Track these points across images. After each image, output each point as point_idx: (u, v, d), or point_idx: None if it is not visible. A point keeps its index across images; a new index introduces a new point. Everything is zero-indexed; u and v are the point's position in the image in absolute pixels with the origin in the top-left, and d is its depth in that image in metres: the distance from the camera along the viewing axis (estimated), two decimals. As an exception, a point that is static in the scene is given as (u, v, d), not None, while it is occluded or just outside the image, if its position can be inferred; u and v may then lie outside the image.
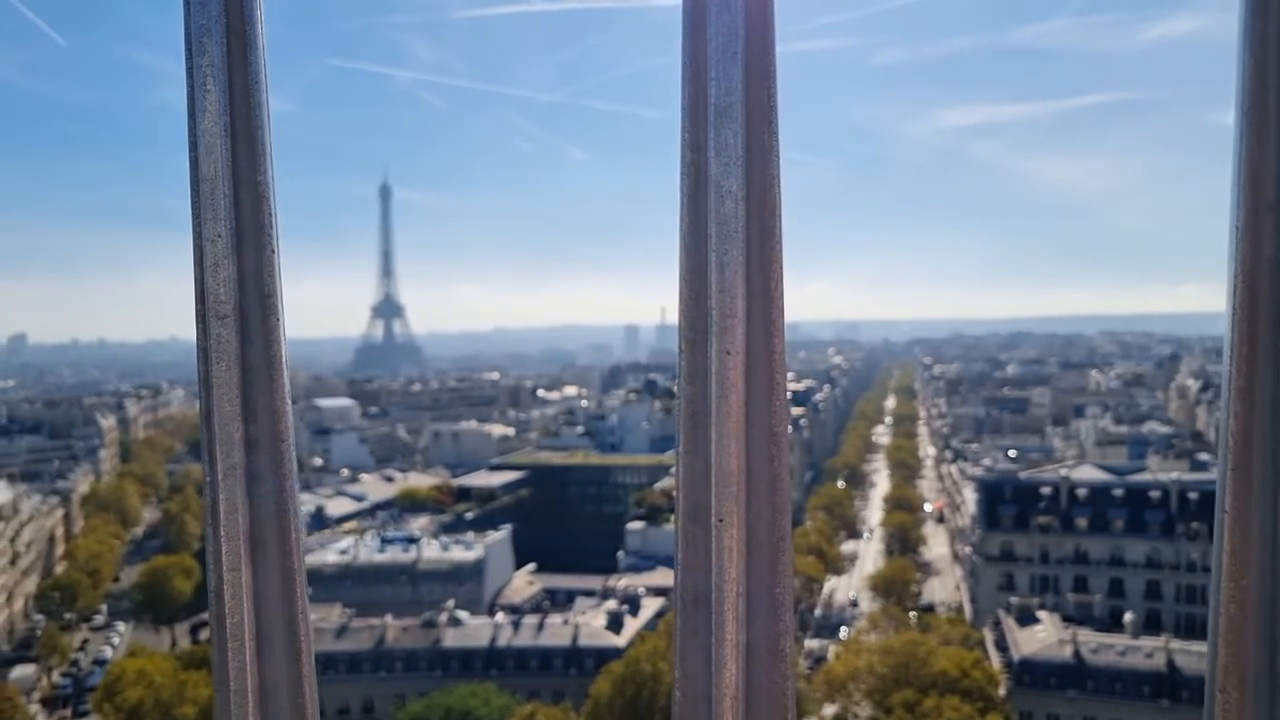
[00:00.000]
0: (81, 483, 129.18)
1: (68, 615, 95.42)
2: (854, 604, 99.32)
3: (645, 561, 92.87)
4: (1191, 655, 65.10)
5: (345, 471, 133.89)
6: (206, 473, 1.79)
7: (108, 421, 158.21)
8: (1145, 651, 66.17)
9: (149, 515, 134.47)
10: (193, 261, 1.77)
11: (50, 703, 79.36)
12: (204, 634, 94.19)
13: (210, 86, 1.75)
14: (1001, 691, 64.03)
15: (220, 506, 1.78)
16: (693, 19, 1.66)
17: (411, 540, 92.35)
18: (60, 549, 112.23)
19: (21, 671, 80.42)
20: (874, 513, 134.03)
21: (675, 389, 1.72)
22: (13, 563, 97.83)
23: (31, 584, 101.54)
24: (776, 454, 1.66)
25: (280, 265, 1.81)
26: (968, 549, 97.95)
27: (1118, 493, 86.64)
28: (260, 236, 1.77)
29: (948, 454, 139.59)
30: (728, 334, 1.62)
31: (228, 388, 1.75)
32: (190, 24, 1.76)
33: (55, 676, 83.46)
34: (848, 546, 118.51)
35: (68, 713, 78.06)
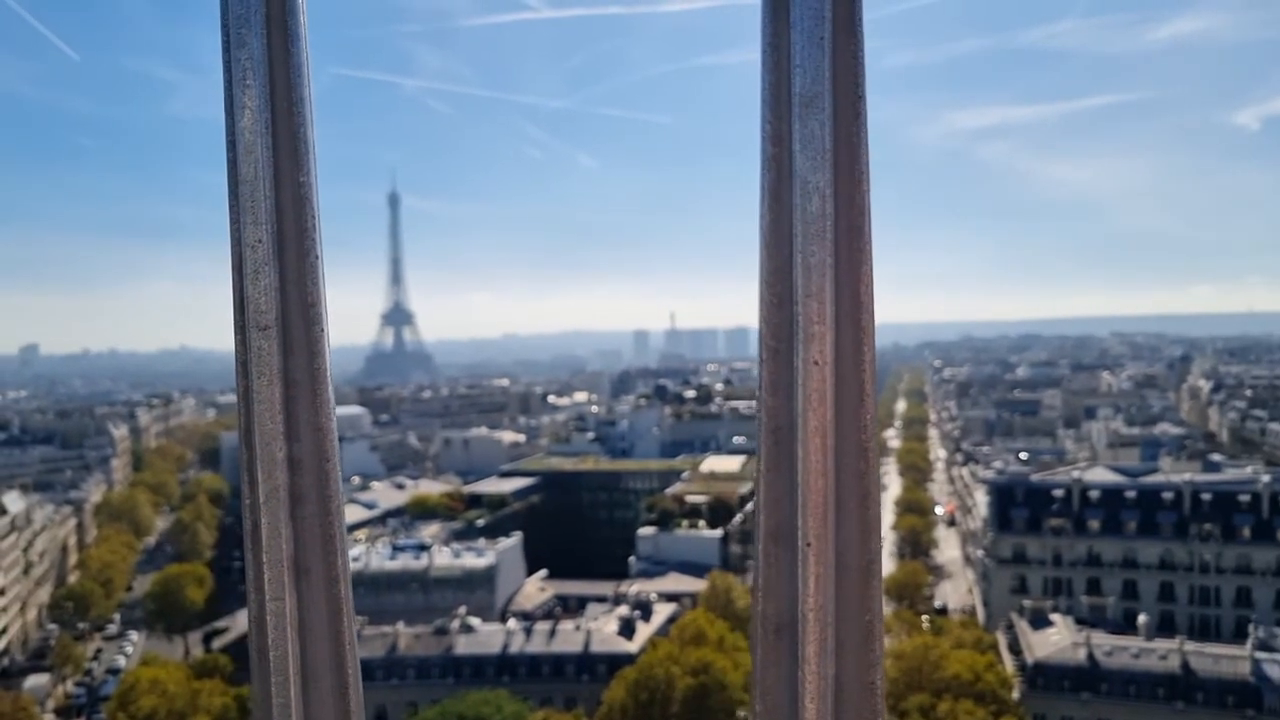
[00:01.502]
0: (94, 492, 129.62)
1: (81, 625, 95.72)
2: None
3: (657, 567, 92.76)
4: (1206, 657, 64.79)
5: (356, 479, 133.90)
6: (246, 495, 1.70)
7: (120, 431, 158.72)
8: (1159, 654, 65.87)
9: (161, 524, 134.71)
10: (231, 268, 1.68)
11: (64, 712, 79.57)
12: (217, 642, 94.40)
13: (250, 81, 1.65)
14: (1015, 695, 63.83)
15: (262, 531, 1.69)
16: (774, 2, 1.57)
17: (423, 547, 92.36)
18: (73, 558, 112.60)
19: (35, 681, 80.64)
20: (885, 516, 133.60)
21: (755, 401, 1.63)
22: (26, 572, 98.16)
23: (45, 594, 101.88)
24: (866, 471, 1.56)
25: (324, 272, 1.73)
26: (979, 552, 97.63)
27: (1130, 494, 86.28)
28: (303, 241, 1.68)
29: (958, 457, 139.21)
30: (815, 343, 1.52)
31: (269, 404, 1.66)
32: (228, 14, 1.66)
33: (69, 686, 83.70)
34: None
35: (82, 722, 78.25)
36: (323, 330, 1.71)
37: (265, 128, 1.64)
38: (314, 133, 1.71)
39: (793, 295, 1.54)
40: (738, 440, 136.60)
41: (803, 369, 1.52)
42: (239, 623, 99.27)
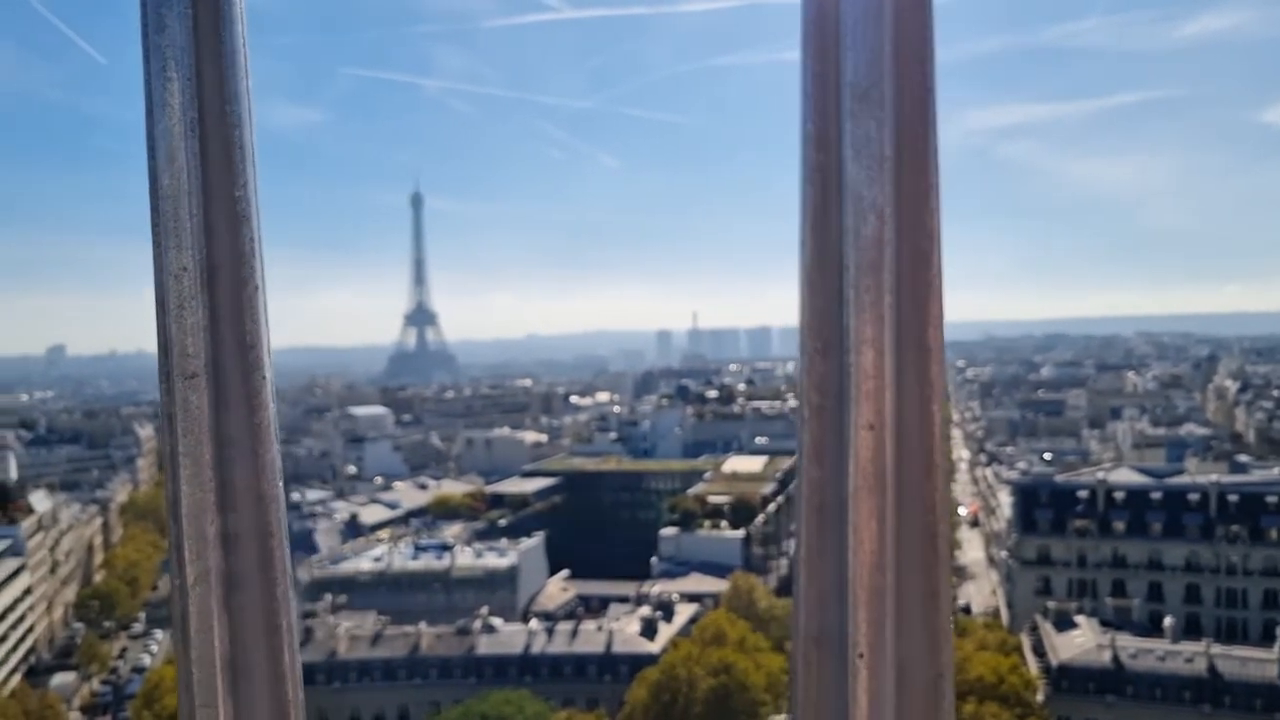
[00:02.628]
0: (120, 492, 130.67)
1: (107, 623, 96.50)
2: None
3: (679, 568, 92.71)
4: (1233, 660, 64.21)
5: (379, 479, 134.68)
6: (174, 577, 1.42)
7: (145, 431, 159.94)
8: (1185, 656, 65.31)
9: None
10: (154, 303, 1.40)
11: (90, 710, 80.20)
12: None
13: (172, 74, 1.37)
14: (1039, 697, 63.42)
15: (190, 622, 1.40)
16: None
17: (445, 548, 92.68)
18: (99, 558, 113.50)
19: (62, 679, 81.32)
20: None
21: (795, 468, 1.41)
22: (52, 571, 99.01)
23: (71, 593, 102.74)
24: (935, 563, 1.31)
25: (266, 306, 1.44)
26: (1003, 553, 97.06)
27: (1156, 495, 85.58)
28: (239, 269, 1.39)
29: (982, 457, 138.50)
30: (869, 402, 1.27)
31: (198, 468, 1.39)
32: None
33: (95, 684, 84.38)
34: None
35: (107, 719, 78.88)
36: (264, 378, 1.43)
37: (190, 130, 1.36)
38: (252, 135, 1.42)
39: (842, 341, 1.29)
40: (760, 441, 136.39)
41: (854, 434, 1.28)
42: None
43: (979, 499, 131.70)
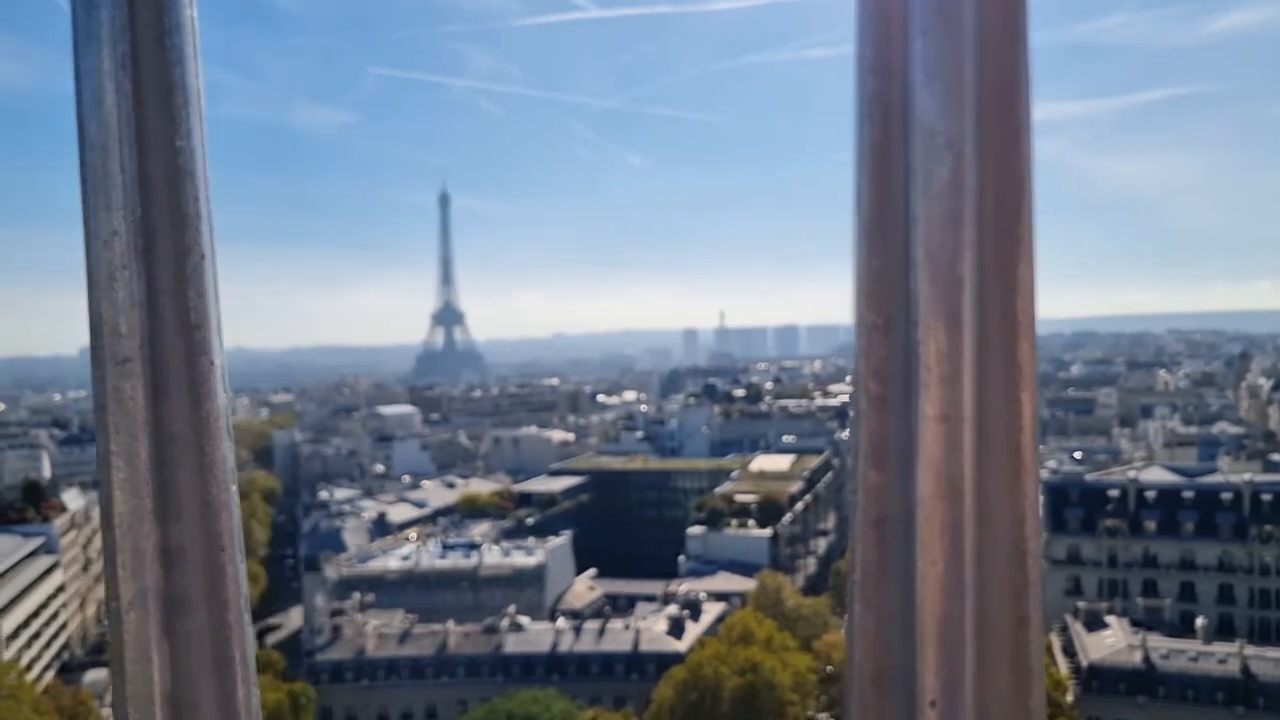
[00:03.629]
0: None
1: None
2: None
3: (706, 566, 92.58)
4: (1267, 661, 63.45)
5: (407, 478, 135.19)
6: (108, 599, 1.25)
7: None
8: (1218, 657, 64.61)
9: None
10: (85, 273, 1.20)
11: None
12: (270, 639, 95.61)
13: None
14: (1069, 698, 62.92)
15: (125, 651, 1.21)
16: None
17: (473, 546, 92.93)
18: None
19: (94, 676, 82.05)
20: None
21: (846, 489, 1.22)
22: (85, 569, 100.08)
23: (103, 590, 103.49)
24: (1023, 585, 1.06)
25: (216, 279, 1.23)
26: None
27: (1188, 495, 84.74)
28: (182, 234, 1.18)
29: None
30: (943, 389, 1.02)
31: (133, 470, 1.19)
32: None
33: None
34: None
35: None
36: (212, 363, 1.21)
37: (121, 67, 1.14)
38: (197, 74, 1.20)
39: (908, 315, 1.04)
40: (787, 440, 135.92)
41: (924, 429, 1.04)
42: (292, 619, 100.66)
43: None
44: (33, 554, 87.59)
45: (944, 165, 0.98)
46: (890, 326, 1.04)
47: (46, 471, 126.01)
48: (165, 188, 1.16)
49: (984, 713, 1.03)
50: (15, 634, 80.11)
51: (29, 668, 76.05)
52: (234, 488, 1.23)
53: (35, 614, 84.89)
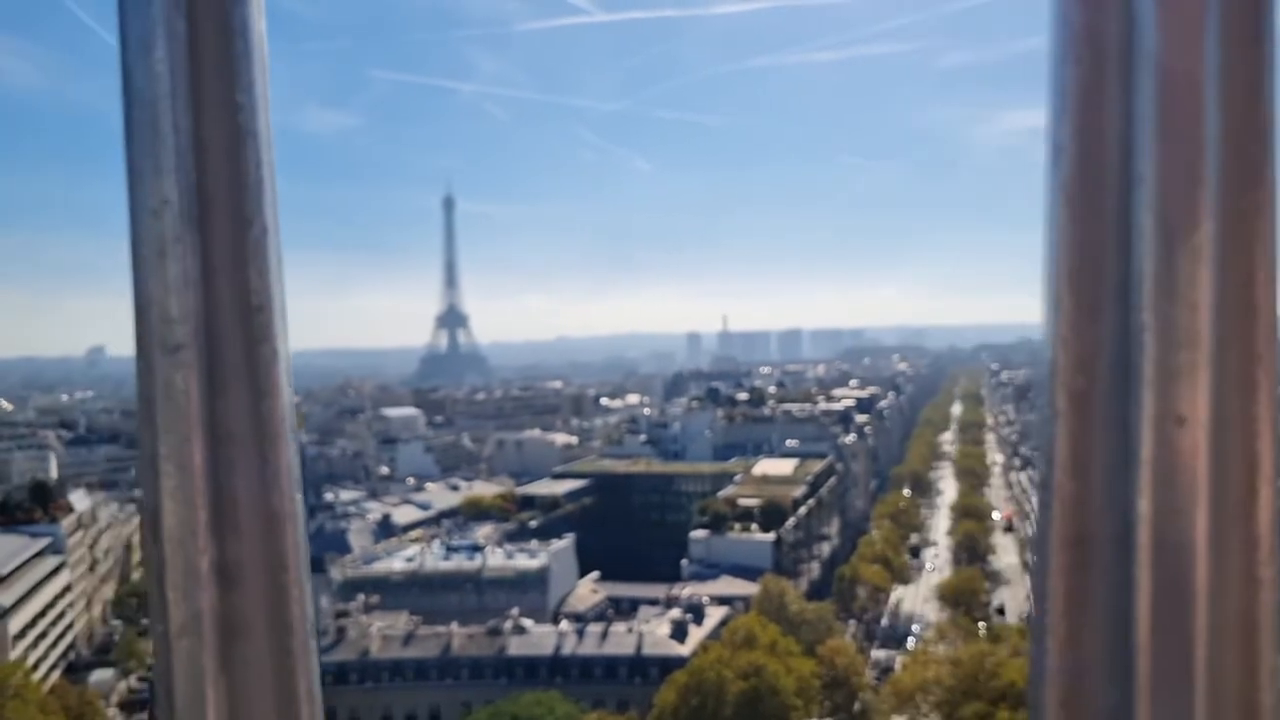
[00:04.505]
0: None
1: (145, 620, 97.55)
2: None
3: (709, 570, 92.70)
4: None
5: (411, 480, 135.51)
6: (154, 623, 1.08)
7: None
8: None
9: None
10: (129, 249, 1.04)
11: (128, 707, 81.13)
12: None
13: None
14: None
15: (175, 684, 1.06)
16: None
17: (476, 549, 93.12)
18: (137, 556, 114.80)
19: (100, 676, 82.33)
20: (941, 521, 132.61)
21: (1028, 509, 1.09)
22: (91, 569, 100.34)
23: (109, 590, 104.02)
24: (1258, 624, 0.87)
25: (280, 254, 1.08)
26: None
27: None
28: (243, 203, 1.03)
29: (1016, 461, 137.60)
30: (1175, 384, 0.85)
31: (185, 476, 1.03)
32: None
33: (133, 681, 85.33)
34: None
35: (145, 717, 79.74)
36: (276, 351, 1.06)
37: (175, 6, 0.99)
38: (261, 15, 1.05)
39: (1125, 293, 0.87)
40: (790, 444, 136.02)
41: (1150, 433, 0.86)
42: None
43: (1014, 504, 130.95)
44: (40, 554, 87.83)
45: (1180, 112, 0.81)
46: (1100, 307, 0.87)
47: (54, 472, 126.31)
48: (224, 150, 1.01)
49: None
50: (22, 633, 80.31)
51: (35, 667, 76.27)
52: (299, 497, 1.08)
53: (42, 614, 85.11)
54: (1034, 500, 0.97)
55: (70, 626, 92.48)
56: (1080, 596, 0.90)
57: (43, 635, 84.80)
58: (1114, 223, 0.85)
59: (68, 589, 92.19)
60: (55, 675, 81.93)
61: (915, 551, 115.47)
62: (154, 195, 0.99)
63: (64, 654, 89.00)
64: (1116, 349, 0.86)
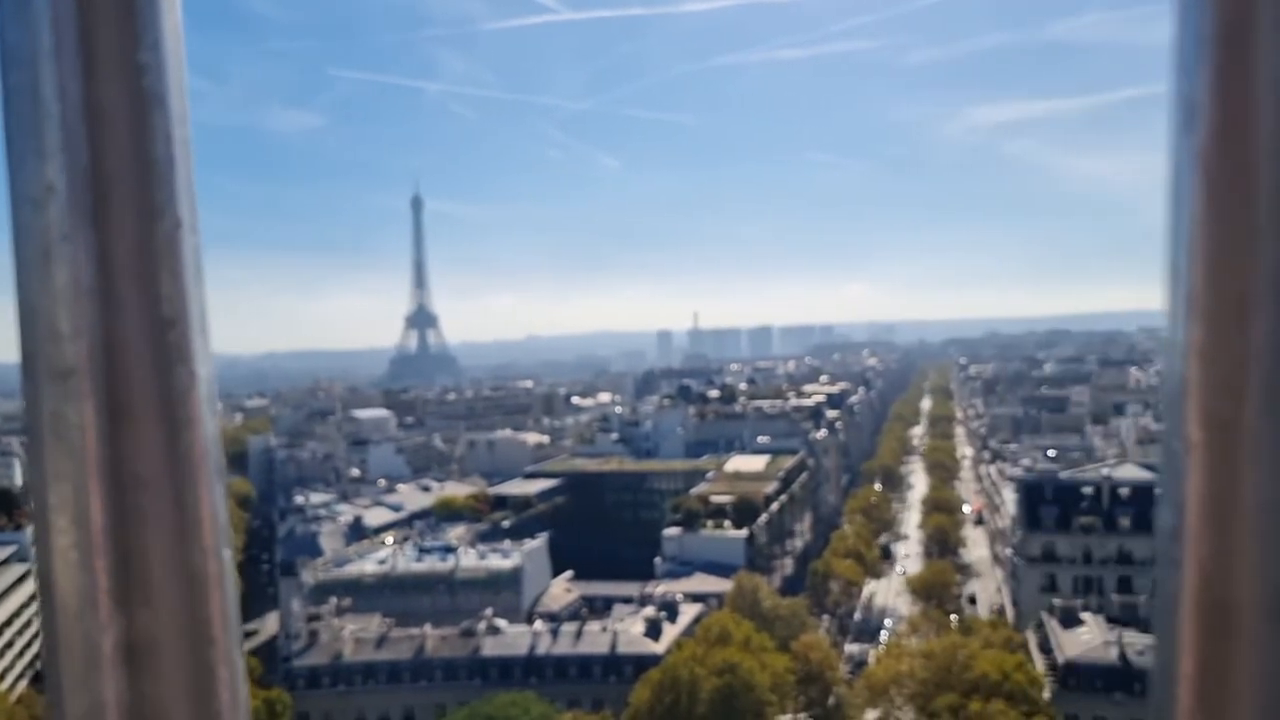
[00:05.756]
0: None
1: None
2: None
3: (683, 568, 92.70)
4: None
5: (383, 482, 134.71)
6: (50, 712, 0.85)
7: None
8: (1192, 652, 65.15)
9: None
10: (10, 248, 0.83)
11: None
12: (246, 645, 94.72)
13: None
14: (1046, 694, 63.33)
15: None
16: None
17: (449, 549, 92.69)
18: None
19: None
20: (912, 515, 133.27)
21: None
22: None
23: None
24: None
25: (200, 254, 0.87)
26: (1008, 551, 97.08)
27: (1162, 491, 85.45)
28: (150, 190, 0.82)
29: (986, 455, 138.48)
30: None
31: (81, 531, 0.82)
32: None
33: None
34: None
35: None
36: (195, 374, 0.85)
37: None
38: None
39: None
40: (762, 440, 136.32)
41: None
42: (268, 625, 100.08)
43: (983, 496, 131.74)
44: (5, 562, 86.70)
45: None
46: (1250, 312, 0.70)
47: (18, 479, 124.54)
48: (125, 123, 0.80)
49: None
50: (-13, 643, 79.28)
51: (2, 677, 75.30)
52: (227, 553, 0.88)
53: (8, 622, 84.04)
54: (1157, 555, 0.79)
55: (36, 635, 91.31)
56: (1220, 678, 0.74)
57: (9, 645, 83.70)
58: (1267, 201, 0.68)
59: (33, 598, 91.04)
60: (22, 685, 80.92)
61: (887, 552, 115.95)
62: (36, 181, 0.79)
63: (30, 663, 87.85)
64: (1272, 365, 0.69)
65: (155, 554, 0.82)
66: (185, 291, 0.83)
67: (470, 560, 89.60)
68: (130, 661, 0.82)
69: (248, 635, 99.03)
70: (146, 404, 0.81)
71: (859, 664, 79.77)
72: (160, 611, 0.82)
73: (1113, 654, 66.09)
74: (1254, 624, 0.70)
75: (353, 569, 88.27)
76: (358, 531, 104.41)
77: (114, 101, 0.79)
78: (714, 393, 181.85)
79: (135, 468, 0.81)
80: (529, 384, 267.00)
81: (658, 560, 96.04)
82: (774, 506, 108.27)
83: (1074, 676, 65.82)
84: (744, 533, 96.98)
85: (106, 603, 0.81)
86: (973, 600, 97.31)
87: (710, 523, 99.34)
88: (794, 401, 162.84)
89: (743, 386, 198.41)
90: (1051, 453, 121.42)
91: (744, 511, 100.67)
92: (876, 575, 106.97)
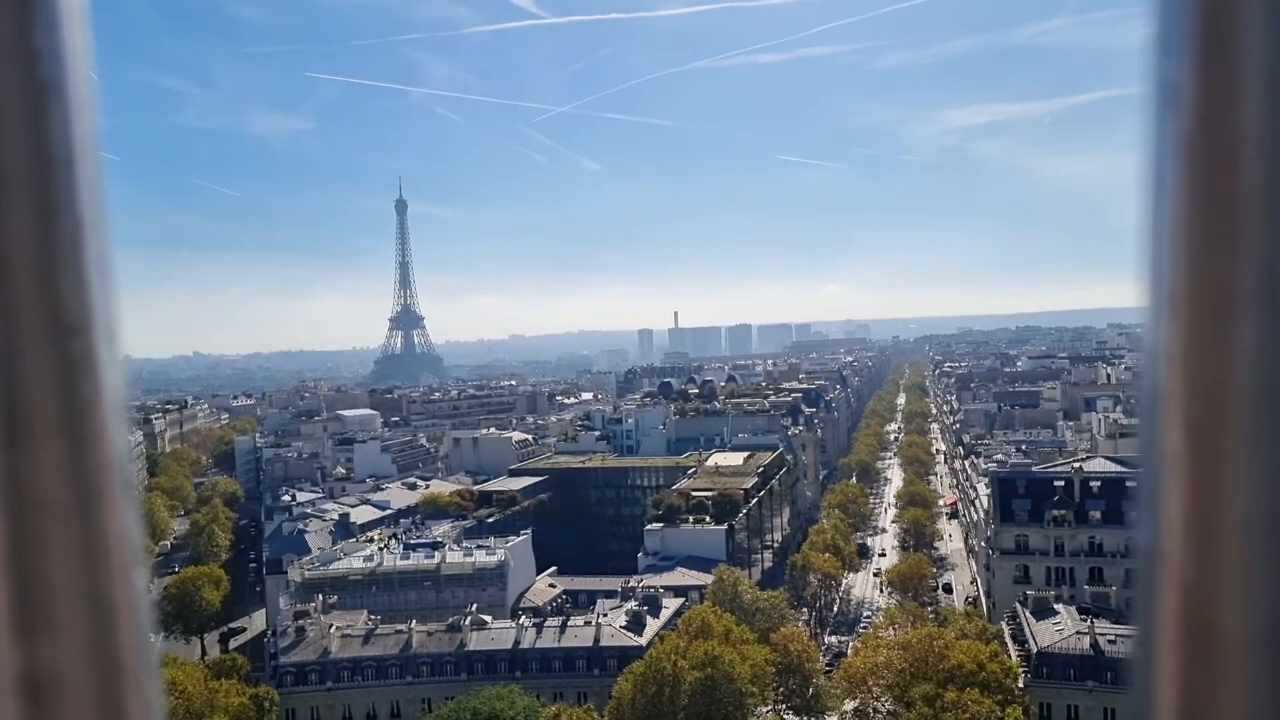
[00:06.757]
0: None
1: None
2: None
3: (664, 562, 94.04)
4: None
5: (369, 480, 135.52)
6: None
7: (135, 436, 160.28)
8: (1160, 641, 66.66)
9: (177, 527, 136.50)
10: None
11: None
12: (234, 642, 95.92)
13: None
14: (1020, 684, 64.84)
15: None
16: None
17: (435, 546, 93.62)
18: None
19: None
20: (889, 509, 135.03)
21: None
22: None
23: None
24: None
25: (106, 252, 0.81)
26: (982, 543, 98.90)
27: (1131, 484, 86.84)
28: (46, 191, 0.74)
29: (960, 449, 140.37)
30: None
31: None
32: None
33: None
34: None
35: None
36: (100, 386, 0.77)
37: None
38: None
39: (1273, 297, 0.62)
40: (741, 436, 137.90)
41: None
42: (255, 623, 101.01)
43: (958, 490, 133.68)
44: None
45: None
46: (1233, 316, 0.62)
47: None
48: (16, 115, 0.72)
49: None
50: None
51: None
52: (139, 579, 0.80)
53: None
54: (1136, 576, 0.77)
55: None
56: (1205, 709, 0.68)
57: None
58: (1255, 195, 0.60)
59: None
60: None
61: (864, 550, 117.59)
62: None
63: None
64: (1258, 371, 0.62)
65: (59, 580, 0.74)
66: (88, 296, 0.75)
67: (456, 556, 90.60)
68: (32, 695, 0.74)
69: (235, 634, 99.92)
70: (47, 418, 0.74)
71: (838, 655, 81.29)
72: (65, 641, 0.75)
73: (1084, 643, 67.67)
74: (1241, 655, 0.65)
75: (339, 566, 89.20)
76: (344, 529, 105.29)
77: (4, 91, 0.71)
78: (694, 390, 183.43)
79: (37, 489, 0.74)
80: (513, 383, 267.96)
81: (640, 555, 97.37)
82: (753, 501, 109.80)
83: (1047, 665, 67.32)
84: (724, 527, 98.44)
85: (5, 633, 0.73)
86: (948, 589, 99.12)
87: (691, 518, 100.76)
88: (772, 398, 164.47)
89: (722, 384, 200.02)
90: (1024, 447, 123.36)
91: (724, 506, 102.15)
92: (854, 569, 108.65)
